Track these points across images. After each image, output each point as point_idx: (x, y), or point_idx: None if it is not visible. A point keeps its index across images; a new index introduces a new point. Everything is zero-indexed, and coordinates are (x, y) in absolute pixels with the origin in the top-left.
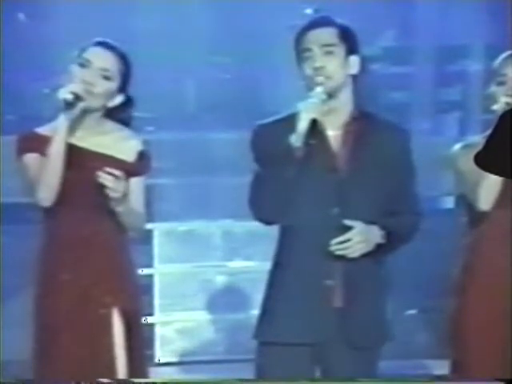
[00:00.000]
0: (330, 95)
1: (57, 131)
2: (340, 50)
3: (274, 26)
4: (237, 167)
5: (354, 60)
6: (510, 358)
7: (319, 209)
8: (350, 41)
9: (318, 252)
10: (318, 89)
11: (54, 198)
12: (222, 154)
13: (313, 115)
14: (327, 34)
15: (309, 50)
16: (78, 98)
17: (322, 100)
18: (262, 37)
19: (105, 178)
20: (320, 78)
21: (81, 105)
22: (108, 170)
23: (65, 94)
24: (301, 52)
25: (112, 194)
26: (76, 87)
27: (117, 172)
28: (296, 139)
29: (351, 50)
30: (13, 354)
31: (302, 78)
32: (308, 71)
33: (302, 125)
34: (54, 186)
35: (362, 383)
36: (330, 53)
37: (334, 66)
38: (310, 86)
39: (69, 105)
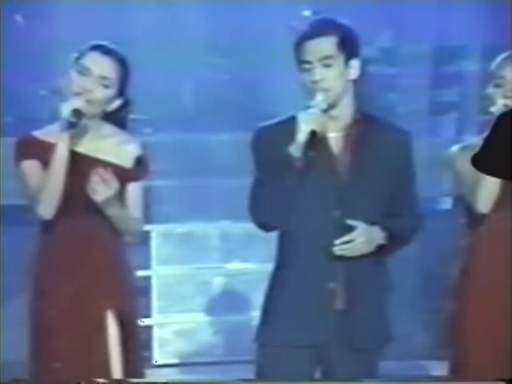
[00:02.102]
0: (331, 105)
1: (58, 145)
2: (339, 60)
3: (272, 26)
4: (235, 169)
5: (355, 64)
6: (509, 358)
7: (321, 211)
8: (349, 47)
9: (319, 254)
10: (318, 97)
11: (54, 211)
12: (219, 156)
13: (312, 127)
14: (325, 45)
15: (307, 62)
16: (80, 115)
17: (322, 110)
18: (261, 37)
19: (93, 179)
20: (319, 90)
21: (83, 121)
22: (100, 171)
23: (67, 112)
24: (300, 63)
25: (94, 197)
26: (77, 103)
27: (107, 175)
28: (295, 150)
29: (351, 54)
30: (12, 354)
31: (301, 86)
32: (307, 83)
33: (301, 136)
34: (55, 200)
35: None
36: (328, 65)
37: (333, 78)
38: (309, 95)
39: (72, 124)
